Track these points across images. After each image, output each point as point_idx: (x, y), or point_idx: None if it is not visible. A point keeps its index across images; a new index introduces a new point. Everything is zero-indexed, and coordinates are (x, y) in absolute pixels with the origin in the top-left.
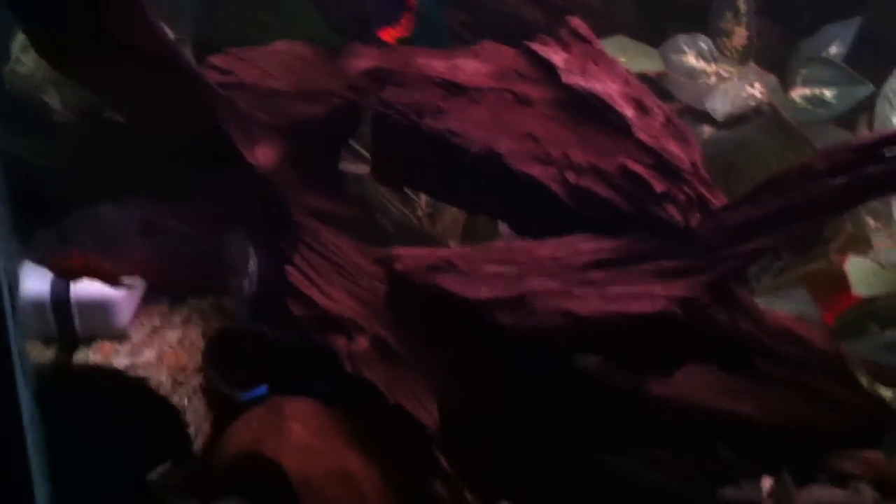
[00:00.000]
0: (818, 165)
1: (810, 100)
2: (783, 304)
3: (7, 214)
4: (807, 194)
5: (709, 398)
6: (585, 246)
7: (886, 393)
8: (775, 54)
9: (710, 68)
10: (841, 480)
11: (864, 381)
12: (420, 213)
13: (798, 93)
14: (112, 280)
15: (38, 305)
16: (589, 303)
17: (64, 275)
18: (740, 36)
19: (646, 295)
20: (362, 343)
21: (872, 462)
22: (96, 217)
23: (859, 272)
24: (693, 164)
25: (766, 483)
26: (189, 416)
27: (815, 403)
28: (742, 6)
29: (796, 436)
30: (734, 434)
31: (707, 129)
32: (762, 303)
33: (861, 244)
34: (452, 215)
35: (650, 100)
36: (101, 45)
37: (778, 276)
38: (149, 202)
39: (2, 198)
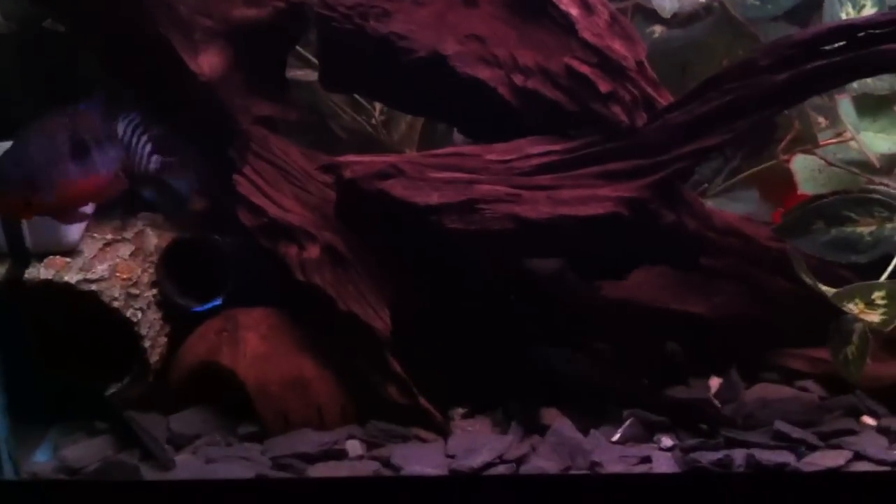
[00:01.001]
0: (761, 61)
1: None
2: (734, 205)
3: None
4: (750, 90)
5: (660, 298)
6: (534, 149)
7: (828, 290)
8: None
9: None
10: (788, 378)
11: (806, 278)
12: (374, 120)
13: None
14: (59, 214)
15: None
16: (538, 207)
17: (12, 216)
18: None
19: (594, 197)
20: (313, 251)
21: (818, 359)
22: (26, 150)
23: (805, 170)
24: (639, 63)
25: (714, 382)
26: (144, 330)
27: (761, 301)
28: None
29: (743, 334)
30: (685, 332)
31: (658, 29)
32: (714, 204)
33: (809, 142)
34: (409, 122)
35: None
36: None
37: (729, 177)
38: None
39: None
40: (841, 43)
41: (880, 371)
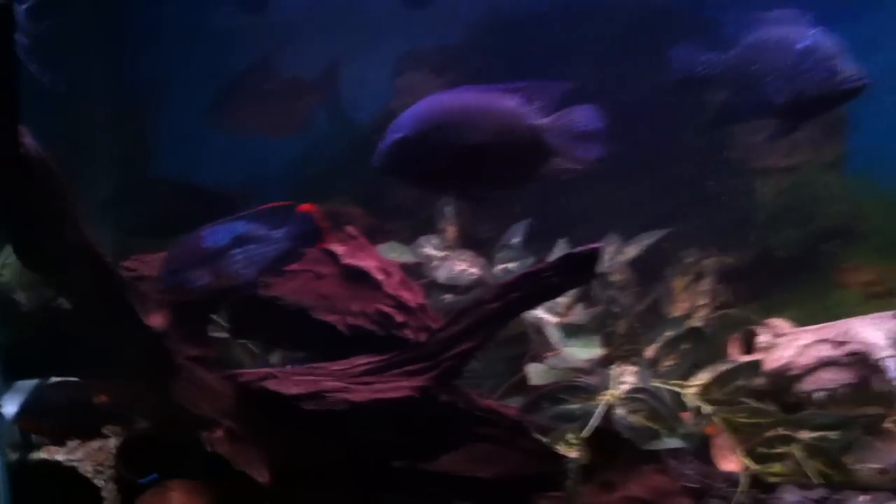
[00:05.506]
0: (485, 297)
1: (505, 271)
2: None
3: None
4: (479, 316)
5: (464, 468)
6: (360, 361)
7: (561, 449)
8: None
9: (439, 255)
10: None
11: (543, 441)
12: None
13: (499, 267)
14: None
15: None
16: (361, 393)
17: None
18: (451, 232)
19: (397, 387)
20: (217, 433)
21: (561, 498)
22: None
23: (534, 372)
24: (419, 305)
25: None
26: (105, 494)
27: (523, 460)
28: (449, 213)
29: (513, 485)
30: (472, 490)
31: (448, 297)
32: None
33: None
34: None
35: (393, 269)
36: (56, 246)
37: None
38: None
39: None
40: (529, 283)
41: None
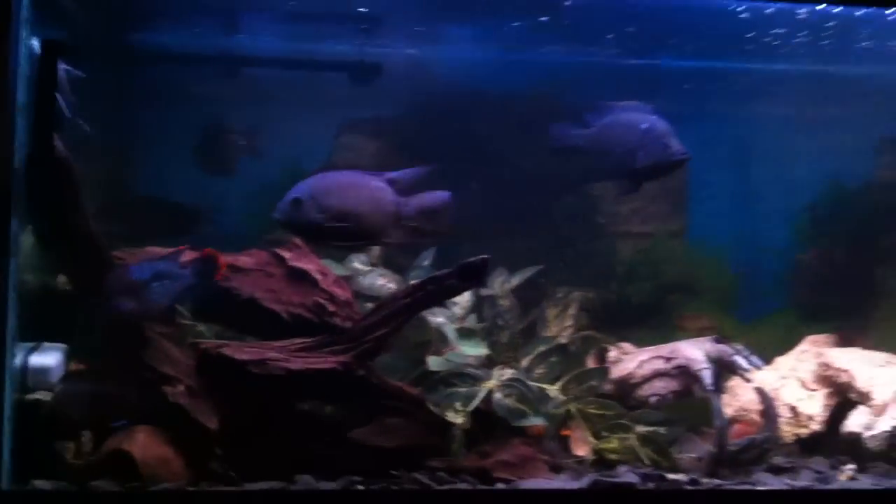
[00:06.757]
0: (398, 294)
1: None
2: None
3: None
4: (392, 307)
5: (375, 439)
6: (297, 341)
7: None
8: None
9: (365, 269)
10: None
11: (435, 412)
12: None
13: (411, 283)
14: None
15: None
16: (296, 363)
17: None
18: (375, 253)
19: (325, 361)
20: (179, 388)
21: (448, 461)
22: None
23: (434, 362)
24: (347, 300)
25: None
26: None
27: (422, 431)
28: None
29: (412, 452)
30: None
31: (369, 305)
32: None
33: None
34: None
35: (328, 271)
36: (68, 232)
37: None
38: None
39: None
40: (433, 284)
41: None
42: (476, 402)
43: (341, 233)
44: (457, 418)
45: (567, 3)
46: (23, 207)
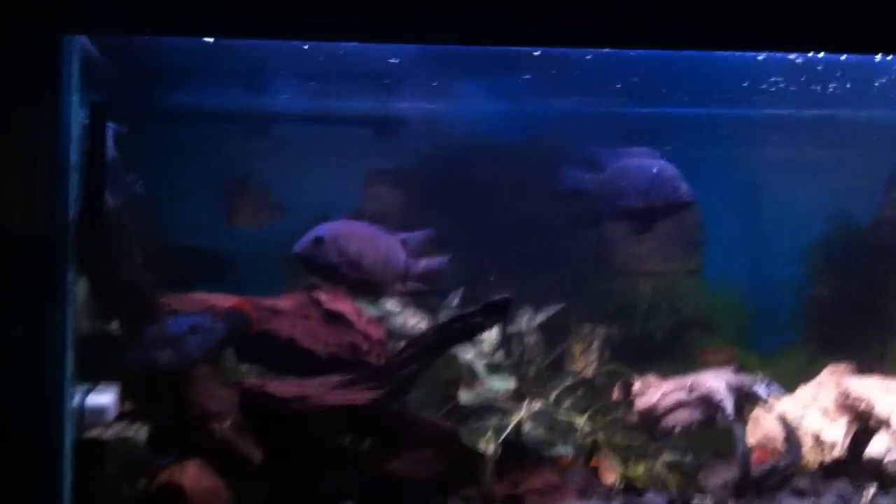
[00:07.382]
0: (427, 332)
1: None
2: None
3: None
4: (422, 346)
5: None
6: (335, 378)
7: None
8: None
9: (397, 310)
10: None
11: (468, 445)
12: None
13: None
14: None
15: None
16: (333, 398)
17: None
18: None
19: (360, 397)
20: (226, 424)
21: (485, 491)
22: None
23: (465, 396)
24: (380, 339)
25: None
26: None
27: (454, 462)
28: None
29: (436, 483)
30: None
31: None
32: None
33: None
34: None
35: (362, 312)
36: (117, 281)
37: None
38: None
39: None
40: (459, 322)
41: None
42: (506, 433)
43: (351, 281)
44: (488, 449)
45: (588, 58)
46: (77, 259)
